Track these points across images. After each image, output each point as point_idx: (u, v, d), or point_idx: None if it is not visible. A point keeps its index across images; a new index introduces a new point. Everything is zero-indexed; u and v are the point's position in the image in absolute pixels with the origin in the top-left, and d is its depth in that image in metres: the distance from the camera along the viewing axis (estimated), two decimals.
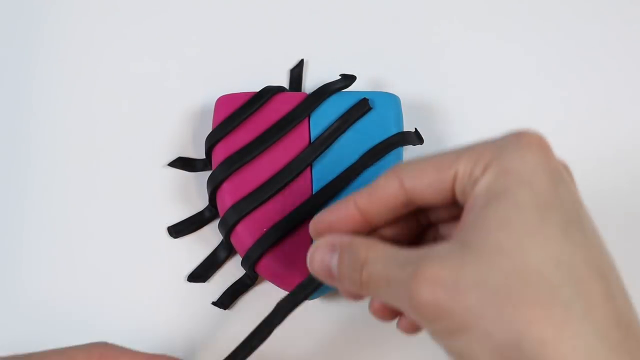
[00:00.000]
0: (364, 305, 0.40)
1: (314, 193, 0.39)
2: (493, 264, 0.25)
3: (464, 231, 0.27)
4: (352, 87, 0.42)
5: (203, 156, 0.41)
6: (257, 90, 0.41)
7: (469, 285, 0.25)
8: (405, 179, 0.29)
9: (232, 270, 0.40)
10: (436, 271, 0.26)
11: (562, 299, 0.25)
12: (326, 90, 0.41)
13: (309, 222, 0.38)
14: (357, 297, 0.32)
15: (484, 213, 0.26)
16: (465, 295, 0.25)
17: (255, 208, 0.38)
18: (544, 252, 0.25)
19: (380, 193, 0.30)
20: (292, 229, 0.38)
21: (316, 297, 0.38)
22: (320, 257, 0.30)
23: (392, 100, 0.41)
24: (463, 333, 0.26)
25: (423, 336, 0.39)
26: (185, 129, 0.43)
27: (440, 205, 0.30)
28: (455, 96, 0.44)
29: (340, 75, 0.42)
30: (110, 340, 0.39)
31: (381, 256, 0.28)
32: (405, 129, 0.41)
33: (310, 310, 0.40)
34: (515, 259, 0.25)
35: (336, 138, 0.40)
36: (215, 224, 0.40)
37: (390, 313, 0.32)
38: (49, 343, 0.39)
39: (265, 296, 0.39)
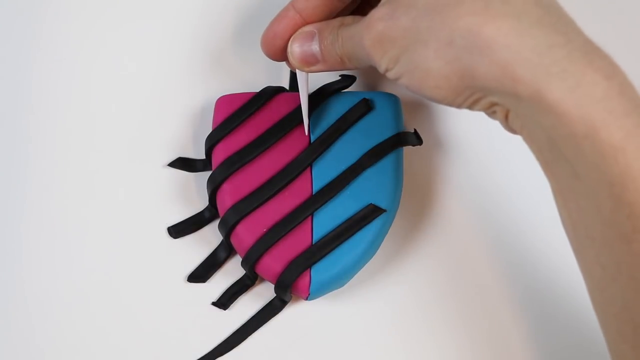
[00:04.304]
0: (364, 305, 0.40)
1: (314, 193, 0.39)
2: None
3: None
4: (352, 88, 0.42)
5: (203, 156, 0.41)
6: (257, 90, 0.41)
7: (402, 12, 0.31)
8: None
9: (232, 271, 0.40)
10: (377, 13, 0.32)
11: None
12: (326, 91, 0.41)
13: (309, 222, 0.38)
14: (338, 67, 0.37)
15: None
16: (399, 20, 0.31)
17: (255, 208, 0.38)
18: None
19: None
20: (292, 229, 0.38)
21: (316, 297, 0.38)
22: (300, 48, 0.36)
23: (392, 100, 0.41)
24: (406, 51, 0.31)
25: (423, 336, 0.39)
26: (185, 129, 0.43)
27: None
28: None
29: (340, 75, 0.42)
30: (110, 340, 0.39)
31: (349, 22, 0.35)
32: (405, 129, 0.41)
33: (310, 310, 0.40)
34: None
35: (336, 138, 0.40)
36: (215, 224, 0.40)
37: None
38: (48, 343, 0.39)
39: (265, 296, 0.40)
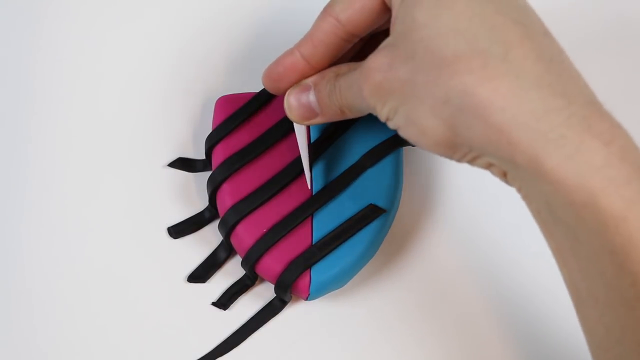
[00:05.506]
0: (364, 305, 0.40)
1: (314, 193, 0.39)
2: (414, 39, 0.29)
3: (392, 25, 0.30)
4: None
5: (203, 156, 0.41)
6: (258, 90, 0.41)
7: (400, 63, 0.29)
8: (338, 13, 0.33)
9: (232, 271, 0.40)
10: (376, 61, 0.30)
11: (479, 49, 0.27)
12: None
13: (309, 222, 0.38)
14: (338, 118, 0.35)
15: (400, 1, 0.30)
16: (397, 71, 0.29)
17: (255, 209, 0.38)
18: (455, 13, 0.28)
19: (319, 35, 0.33)
20: (292, 230, 0.38)
21: (316, 298, 0.38)
22: (296, 101, 0.35)
23: None
24: (404, 104, 0.30)
25: (422, 336, 0.39)
26: (185, 129, 0.43)
27: (379, 24, 0.33)
28: None
29: None
30: (110, 340, 0.39)
31: (344, 71, 0.33)
32: None
33: (310, 310, 0.40)
34: (431, 27, 0.28)
35: (336, 138, 0.40)
36: (215, 224, 0.40)
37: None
38: (48, 343, 0.39)
39: (265, 296, 0.40)
